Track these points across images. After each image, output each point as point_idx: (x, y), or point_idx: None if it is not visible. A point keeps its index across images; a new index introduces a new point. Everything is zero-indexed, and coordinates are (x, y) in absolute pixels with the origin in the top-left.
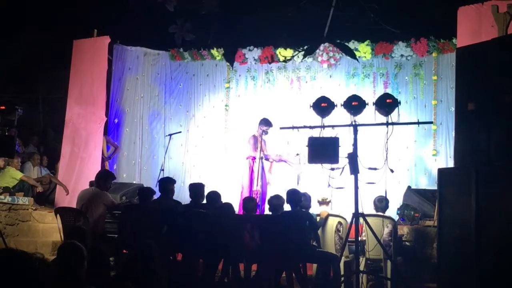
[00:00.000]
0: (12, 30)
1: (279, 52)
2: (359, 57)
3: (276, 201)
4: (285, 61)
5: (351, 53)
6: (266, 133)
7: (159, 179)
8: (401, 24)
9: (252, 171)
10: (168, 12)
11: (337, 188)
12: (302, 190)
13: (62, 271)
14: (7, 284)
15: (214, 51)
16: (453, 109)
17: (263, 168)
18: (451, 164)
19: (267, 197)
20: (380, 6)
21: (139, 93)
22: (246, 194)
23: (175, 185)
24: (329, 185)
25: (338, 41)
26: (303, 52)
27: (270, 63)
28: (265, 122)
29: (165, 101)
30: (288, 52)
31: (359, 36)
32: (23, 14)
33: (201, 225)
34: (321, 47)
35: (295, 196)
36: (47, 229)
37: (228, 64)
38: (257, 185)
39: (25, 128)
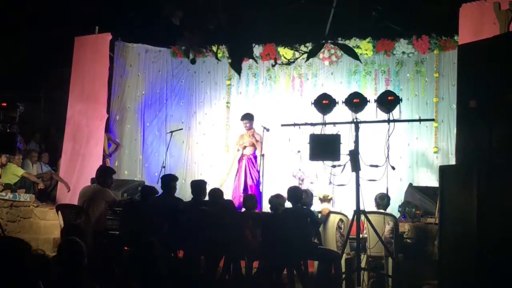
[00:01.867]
0: (13, 27)
1: (284, 54)
2: (360, 54)
3: (276, 199)
4: (288, 63)
5: (353, 54)
6: (248, 127)
7: (162, 176)
8: (402, 21)
9: (238, 169)
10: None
11: (338, 185)
12: (303, 187)
13: (62, 268)
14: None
15: (215, 48)
16: (454, 106)
17: (247, 165)
18: (452, 161)
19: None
20: (382, 4)
21: (140, 90)
22: (235, 193)
23: (176, 182)
24: (330, 182)
25: (339, 40)
26: (305, 55)
27: (273, 65)
28: (242, 118)
29: (166, 98)
30: (289, 53)
31: (360, 34)
32: (25, 12)
33: (202, 222)
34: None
35: (296, 193)
36: (49, 226)
37: (230, 61)
38: (242, 184)
39: (26, 125)
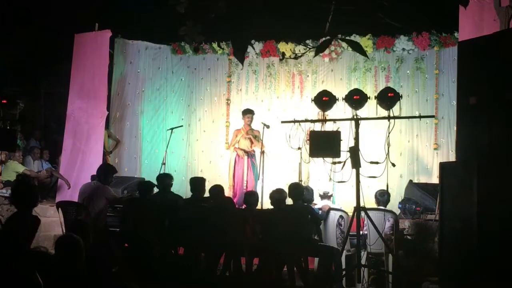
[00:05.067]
0: (14, 24)
1: (285, 50)
2: None
3: (277, 195)
4: (295, 57)
5: (360, 49)
6: (250, 122)
7: (157, 176)
8: (402, 17)
9: (234, 165)
10: (170, 7)
11: (338, 182)
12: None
13: (60, 264)
14: None
15: (215, 45)
16: (454, 103)
17: (249, 162)
18: (452, 158)
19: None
20: (382, 1)
21: (140, 87)
22: (236, 187)
23: (176, 179)
24: (330, 179)
25: (347, 37)
26: (314, 50)
27: (281, 60)
28: (247, 112)
29: (166, 95)
30: (291, 46)
31: (360, 30)
32: (25, 9)
33: (202, 219)
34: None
35: (297, 190)
36: (49, 223)
37: (230, 58)
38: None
39: (27, 122)
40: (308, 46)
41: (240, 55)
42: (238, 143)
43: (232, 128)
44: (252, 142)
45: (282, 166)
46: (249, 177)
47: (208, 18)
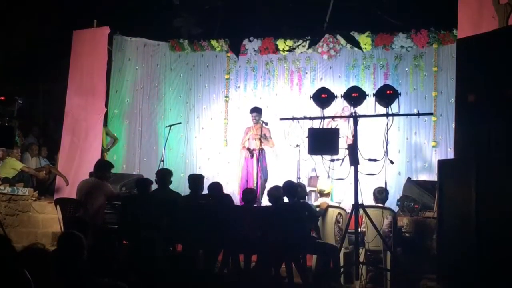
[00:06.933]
0: (12, 21)
1: (284, 43)
2: None
3: (276, 192)
4: (289, 50)
5: (355, 43)
6: (257, 121)
7: (157, 170)
8: (401, 15)
9: (246, 162)
10: (168, 3)
11: (337, 179)
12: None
13: (61, 261)
14: None
15: (214, 42)
16: (453, 100)
17: (257, 160)
18: (451, 155)
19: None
20: None
21: (138, 84)
22: (243, 186)
23: (175, 176)
24: (329, 176)
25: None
26: (306, 43)
27: (274, 52)
28: (250, 111)
29: (164, 92)
30: (290, 43)
31: (359, 27)
32: (23, 5)
33: (201, 216)
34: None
35: (291, 188)
36: (47, 220)
37: (229, 55)
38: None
39: (25, 119)
40: (301, 39)
41: (235, 47)
42: (248, 141)
43: (230, 125)
44: (261, 142)
45: (281, 163)
46: (259, 176)
47: (203, 9)
